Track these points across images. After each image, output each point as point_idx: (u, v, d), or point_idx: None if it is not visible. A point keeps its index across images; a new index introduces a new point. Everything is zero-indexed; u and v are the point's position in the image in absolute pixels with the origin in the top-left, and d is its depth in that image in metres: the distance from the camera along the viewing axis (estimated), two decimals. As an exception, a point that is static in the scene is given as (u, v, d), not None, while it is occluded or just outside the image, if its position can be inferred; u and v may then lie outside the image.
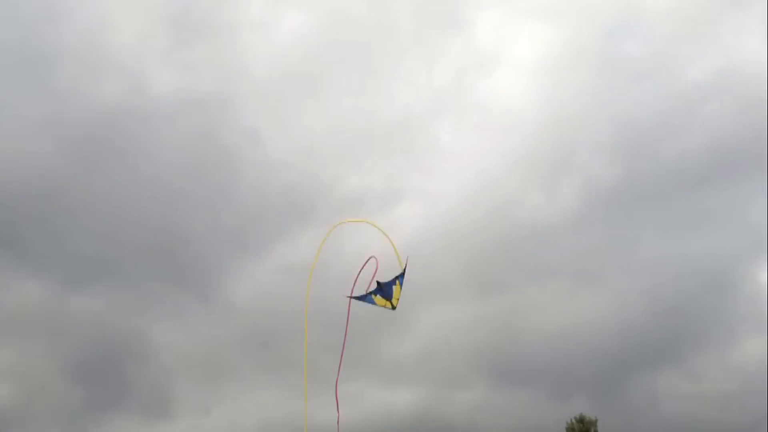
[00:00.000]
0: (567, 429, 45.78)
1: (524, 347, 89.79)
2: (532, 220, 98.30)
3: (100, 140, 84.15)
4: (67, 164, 79.88)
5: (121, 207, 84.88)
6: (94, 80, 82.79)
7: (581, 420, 45.71)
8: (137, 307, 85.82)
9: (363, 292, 11.71)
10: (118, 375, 79.08)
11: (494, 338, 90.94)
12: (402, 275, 11.82)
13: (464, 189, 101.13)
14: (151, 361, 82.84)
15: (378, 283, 11.87)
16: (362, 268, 11.70)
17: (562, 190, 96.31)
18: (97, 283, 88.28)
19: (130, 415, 76.43)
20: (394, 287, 11.88)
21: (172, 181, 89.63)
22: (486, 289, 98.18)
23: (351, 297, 11.71)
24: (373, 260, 11.50)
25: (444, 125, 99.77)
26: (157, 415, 79.76)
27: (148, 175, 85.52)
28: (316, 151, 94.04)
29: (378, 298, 11.81)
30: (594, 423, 45.52)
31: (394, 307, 11.90)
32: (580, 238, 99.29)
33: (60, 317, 79.58)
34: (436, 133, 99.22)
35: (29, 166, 75.96)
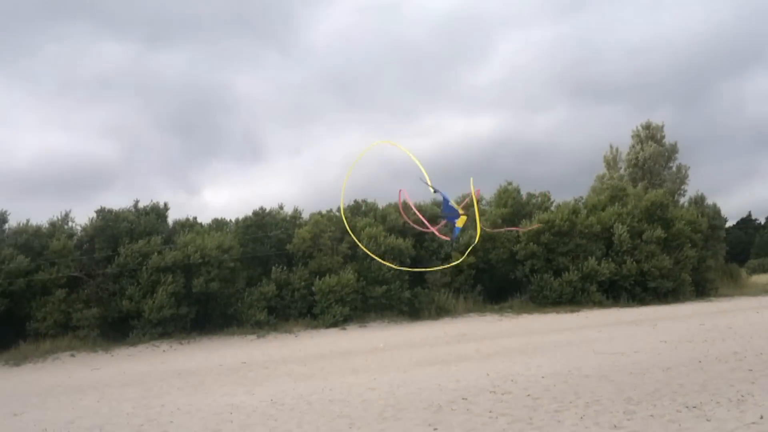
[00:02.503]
0: (632, 136, 46.25)
1: (605, 64, 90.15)
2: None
3: None
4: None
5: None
6: None
7: (647, 126, 45.99)
8: (220, 60, 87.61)
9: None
10: (210, 125, 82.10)
11: (574, 58, 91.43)
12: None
13: None
14: (239, 111, 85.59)
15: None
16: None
17: None
18: (178, 41, 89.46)
19: (226, 161, 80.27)
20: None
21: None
22: (565, 9, 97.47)
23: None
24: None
25: None
26: (252, 159, 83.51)
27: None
28: None
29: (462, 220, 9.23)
30: (660, 128, 45.81)
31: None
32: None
33: (147, 75, 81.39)
34: None
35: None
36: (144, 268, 25.19)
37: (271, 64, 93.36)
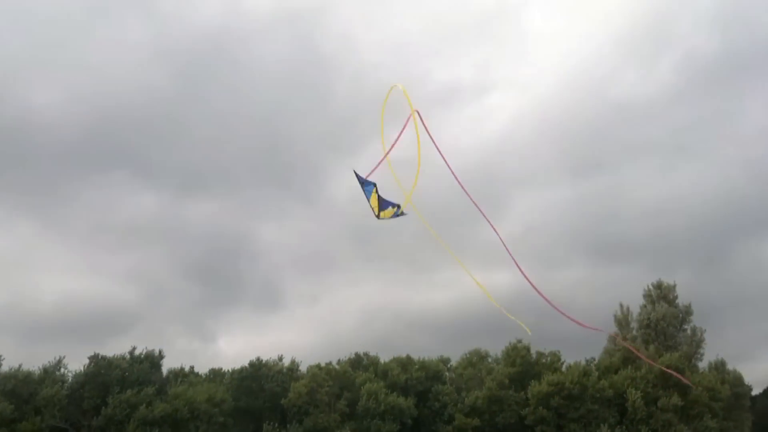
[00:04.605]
0: (644, 296, 45.68)
1: (622, 224, 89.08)
2: (628, 98, 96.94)
3: (203, 57, 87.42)
4: (173, 82, 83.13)
5: (225, 118, 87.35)
6: (193, 2, 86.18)
7: (659, 286, 45.48)
8: (245, 209, 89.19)
9: (370, 179, 11.82)
10: (232, 273, 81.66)
11: (591, 218, 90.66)
12: (398, 210, 12.03)
13: (557, 74, 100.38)
14: (261, 259, 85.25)
15: (379, 196, 12.07)
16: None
17: (660, 66, 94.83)
18: (207, 190, 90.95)
19: (244, 309, 78.78)
20: (389, 207, 12.14)
21: (271, 91, 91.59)
22: (581, 170, 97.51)
23: (356, 174, 12.02)
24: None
25: (534, 10, 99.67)
26: (269, 307, 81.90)
27: (249, 87, 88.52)
28: (407, 48, 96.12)
29: (374, 197, 12.06)
30: (672, 288, 45.13)
31: (377, 216, 11.99)
32: (679, 113, 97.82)
33: (175, 223, 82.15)
34: (526, 18, 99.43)
35: (138, 87, 79.21)
36: (131, 420, 24.13)
37: (293, 214, 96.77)
